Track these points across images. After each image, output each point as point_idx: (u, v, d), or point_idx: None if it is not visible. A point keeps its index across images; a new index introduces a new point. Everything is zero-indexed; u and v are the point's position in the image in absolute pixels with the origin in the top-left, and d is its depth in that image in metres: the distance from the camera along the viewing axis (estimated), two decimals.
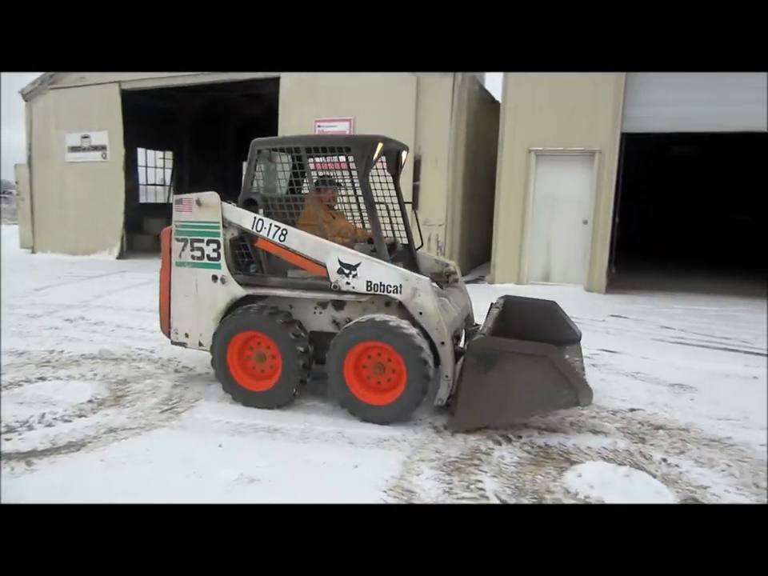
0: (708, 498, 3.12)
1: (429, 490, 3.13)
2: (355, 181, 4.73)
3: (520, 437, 3.84)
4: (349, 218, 5.02)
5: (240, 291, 4.29)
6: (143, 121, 14.43)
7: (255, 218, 4.22)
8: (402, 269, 4.07)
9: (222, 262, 4.30)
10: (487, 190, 10.63)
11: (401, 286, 3.98)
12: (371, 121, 9.99)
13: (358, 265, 4.04)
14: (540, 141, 9.55)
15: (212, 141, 17.53)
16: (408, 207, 5.07)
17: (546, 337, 4.39)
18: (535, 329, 4.69)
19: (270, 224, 4.18)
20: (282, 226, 4.16)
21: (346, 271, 4.06)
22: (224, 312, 4.35)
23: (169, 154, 17.22)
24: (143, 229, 14.92)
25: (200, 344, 4.48)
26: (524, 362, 3.63)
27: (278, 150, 4.49)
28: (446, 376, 3.96)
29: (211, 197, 4.30)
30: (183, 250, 4.41)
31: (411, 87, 10.07)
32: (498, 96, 11.02)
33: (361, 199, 4.75)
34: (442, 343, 3.93)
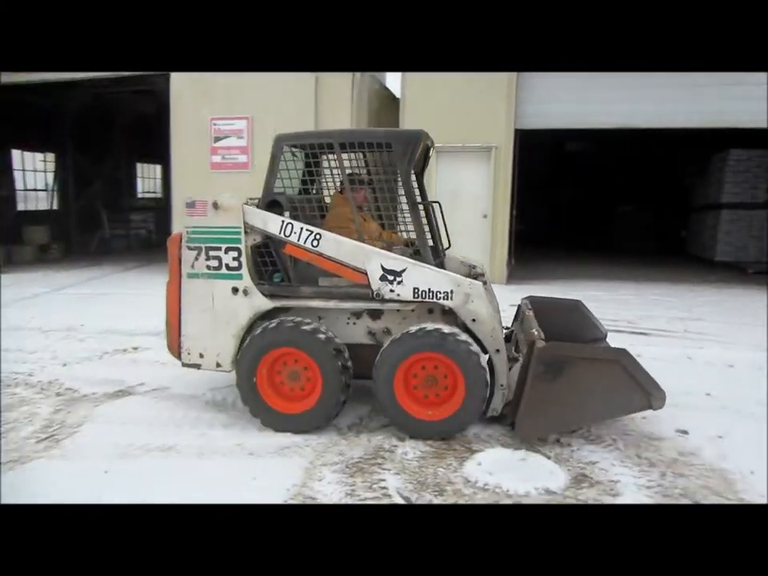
0: (596, 474, 3.29)
1: (331, 494, 3.06)
2: (382, 179, 4.50)
3: None
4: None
5: (266, 304, 3.89)
6: (19, 119, 13.23)
7: (283, 221, 3.87)
8: (452, 273, 3.86)
9: (245, 271, 3.90)
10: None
11: (452, 291, 3.73)
12: (269, 120, 9.76)
13: (403, 270, 3.77)
14: (439, 138, 9.72)
15: (99, 141, 16.36)
16: (435, 207, 4.67)
17: (574, 337, 4.26)
18: (563, 329, 4.37)
19: (301, 228, 3.84)
20: (315, 230, 3.83)
21: (390, 278, 3.79)
22: (246, 328, 3.95)
23: (51, 157, 15.91)
24: (23, 239, 13.67)
25: (218, 365, 4.03)
26: (595, 368, 3.49)
27: (306, 147, 4.07)
28: (501, 385, 3.78)
29: (230, 199, 3.90)
30: (196, 259, 3.95)
31: (309, 86, 9.95)
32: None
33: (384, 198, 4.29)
34: (497, 351, 3.75)
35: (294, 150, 4.14)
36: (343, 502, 2.99)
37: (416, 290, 3.78)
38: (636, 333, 6.68)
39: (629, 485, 3.16)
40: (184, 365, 4.13)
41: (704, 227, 13.71)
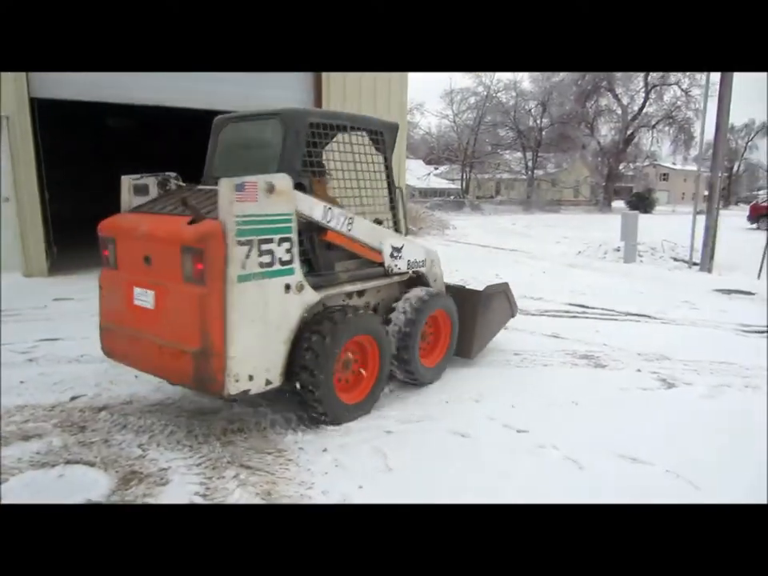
0: (146, 466, 3.14)
1: None
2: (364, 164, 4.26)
3: None
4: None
5: (314, 297, 3.62)
6: None
7: (325, 206, 3.71)
8: (421, 243, 4.69)
9: (297, 264, 3.46)
10: None
11: (424, 260, 4.60)
12: None
13: (402, 247, 4.35)
14: None
15: None
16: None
17: None
18: None
19: (338, 213, 3.80)
20: (348, 213, 3.87)
21: (396, 254, 4.29)
22: (297, 329, 3.50)
23: None
24: None
25: (267, 382, 3.39)
26: (499, 298, 5.18)
27: (327, 126, 3.89)
28: None
29: (283, 179, 3.33)
30: (248, 256, 3.15)
31: None
32: None
33: (362, 183, 4.22)
34: None
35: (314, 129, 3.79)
36: None
37: (409, 262, 4.44)
38: None
39: (180, 468, 3.14)
40: (228, 398, 3.54)
41: None
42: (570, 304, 7.74)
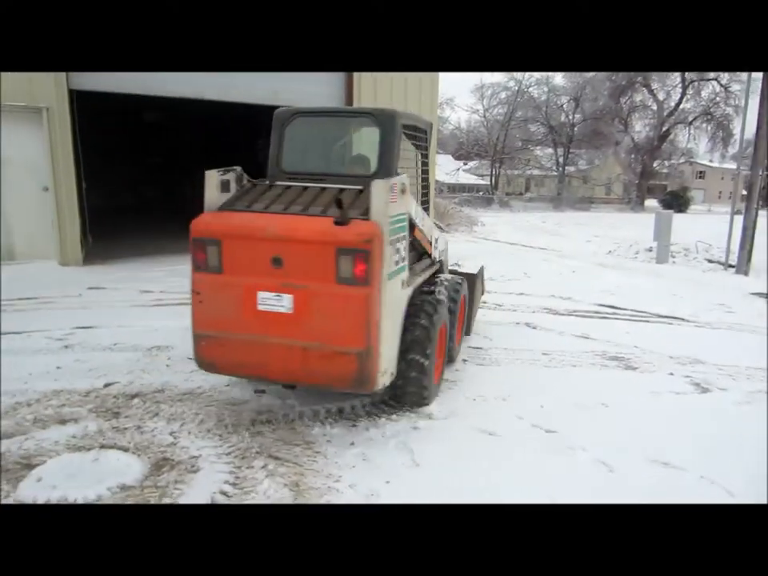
0: (177, 454, 3.20)
1: None
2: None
3: None
4: None
5: (409, 290, 3.79)
6: None
7: (416, 204, 3.91)
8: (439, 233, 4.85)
9: (407, 261, 3.69)
10: None
11: (446, 248, 5.12)
12: None
13: (438, 238, 4.68)
14: None
15: None
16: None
17: None
18: None
19: (420, 210, 4.05)
20: (419, 209, 4.03)
21: (435, 244, 4.56)
22: (402, 322, 3.67)
23: None
24: None
25: (392, 375, 3.55)
26: (479, 280, 5.85)
27: (409, 127, 4.09)
28: None
29: (406, 180, 3.58)
30: (392, 256, 3.35)
31: None
32: None
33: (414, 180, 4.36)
34: None
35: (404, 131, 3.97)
36: None
37: (440, 252, 4.79)
38: None
39: (210, 456, 3.19)
40: (374, 394, 3.75)
41: None
42: (600, 304, 7.62)
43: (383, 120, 3.78)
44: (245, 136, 16.46)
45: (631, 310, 7.31)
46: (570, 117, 41.97)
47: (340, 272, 3.16)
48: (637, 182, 42.06)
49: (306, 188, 3.62)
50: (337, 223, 3.17)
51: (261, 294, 3.29)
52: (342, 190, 3.50)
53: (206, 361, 3.54)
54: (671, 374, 4.87)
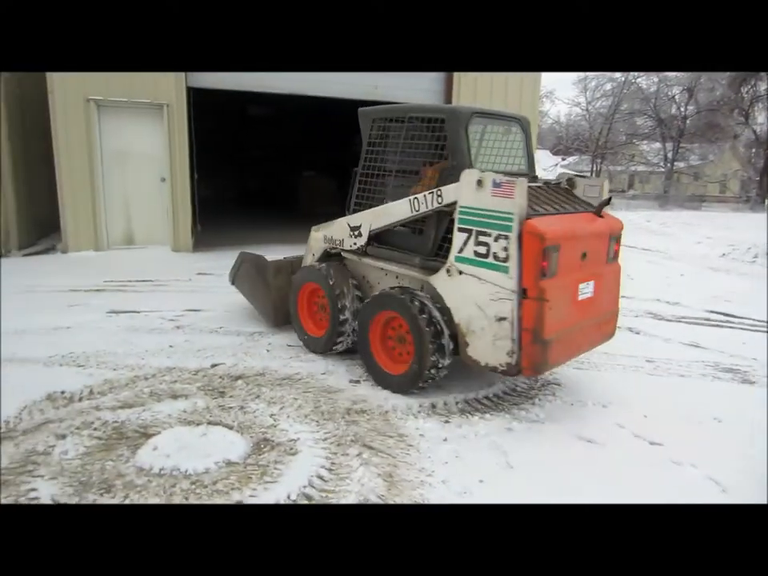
0: (277, 435, 3.35)
1: None
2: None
3: (96, 420, 3.39)
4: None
5: None
6: None
7: None
8: None
9: None
10: (48, 148, 8.97)
11: None
12: None
13: None
14: (99, 90, 8.53)
15: None
16: None
17: None
18: None
19: None
20: None
21: None
22: None
23: None
24: None
25: None
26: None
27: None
28: None
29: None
30: None
31: None
32: None
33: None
34: None
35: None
36: None
37: None
38: None
39: (307, 440, 3.30)
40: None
41: None
42: (712, 311, 7.08)
43: (525, 125, 4.45)
44: (341, 131, 16.84)
45: (748, 319, 6.73)
46: (683, 108, 39.12)
47: (609, 254, 4.07)
48: (757, 178, 38.48)
49: (538, 187, 4.02)
50: (599, 216, 4.00)
51: (580, 286, 3.78)
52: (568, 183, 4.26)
53: (549, 363, 3.58)
54: None
